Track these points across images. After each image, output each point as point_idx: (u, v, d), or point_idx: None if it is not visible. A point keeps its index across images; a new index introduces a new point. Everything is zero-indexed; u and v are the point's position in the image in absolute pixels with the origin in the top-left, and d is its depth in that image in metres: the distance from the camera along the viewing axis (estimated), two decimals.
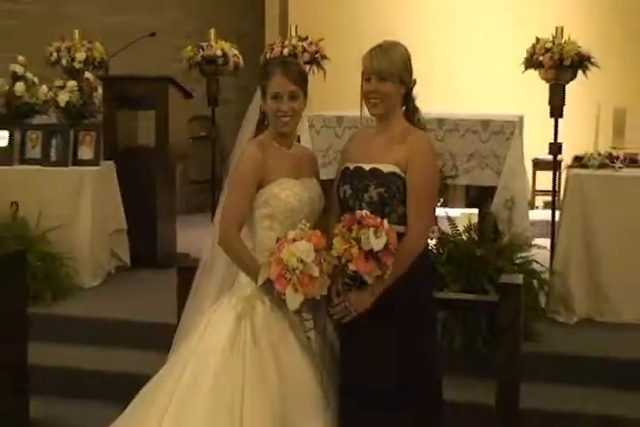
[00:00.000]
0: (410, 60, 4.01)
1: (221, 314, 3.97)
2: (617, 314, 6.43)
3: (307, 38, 8.81)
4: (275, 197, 3.98)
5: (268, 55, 8.47)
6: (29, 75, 7.92)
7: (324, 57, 8.73)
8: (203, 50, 8.44)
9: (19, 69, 7.86)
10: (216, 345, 3.89)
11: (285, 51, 8.59)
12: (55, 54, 9.08)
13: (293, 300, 3.77)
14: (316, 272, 3.75)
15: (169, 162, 8.18)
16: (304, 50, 8.65)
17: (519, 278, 4.69)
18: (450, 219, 6.22)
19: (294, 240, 3.82)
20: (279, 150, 4.05)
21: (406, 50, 4.00)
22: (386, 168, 3.93)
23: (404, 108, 4.07)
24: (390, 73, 3.93)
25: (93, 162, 7.60)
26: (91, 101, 7.76)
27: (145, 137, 8.34)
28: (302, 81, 4.02)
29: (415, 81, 4.04)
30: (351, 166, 4.03)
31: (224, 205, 4.03)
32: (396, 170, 3.91)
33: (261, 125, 4.10)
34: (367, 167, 3.97)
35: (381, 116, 4.02)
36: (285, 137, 4.07)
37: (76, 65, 8.98)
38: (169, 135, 7.99)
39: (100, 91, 7.91)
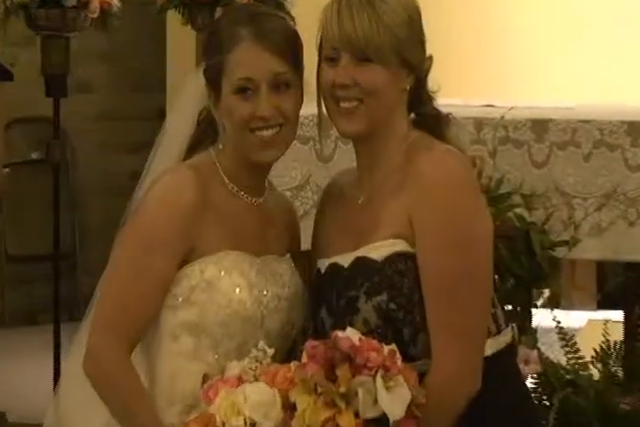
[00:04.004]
0: (420, 19, 1.86)
1: None
2: None
3: None
4: (209, 286, 1.83)
5: None
6: None
7: None
8: None
9: None
10: None
11: None
12: None
13: None
14: None
15: None
16: None
17: None
18: (563, 333, 3.11)
19: (241, 381, 1.82)
20: (235, 197, 1.90)
21: (413, 1, 1.87)
22: (379, 252, 1.80)
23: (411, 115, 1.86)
24: (380, 47, 1.78)
25: None
26: None
27: None
28: (295, 52, 1.87)
29: (432, 59, 1.85)
30: (323, 266, 1.89)
31: (102, 295, 1.86)
32: (403, 247, 1.78)
33: (198, 145, 1.92)
34: (347, 262, 1.83)
35: (364, 136, 1.84)
36: (258, 172, 1.92)
37: None
38: None
39: None
